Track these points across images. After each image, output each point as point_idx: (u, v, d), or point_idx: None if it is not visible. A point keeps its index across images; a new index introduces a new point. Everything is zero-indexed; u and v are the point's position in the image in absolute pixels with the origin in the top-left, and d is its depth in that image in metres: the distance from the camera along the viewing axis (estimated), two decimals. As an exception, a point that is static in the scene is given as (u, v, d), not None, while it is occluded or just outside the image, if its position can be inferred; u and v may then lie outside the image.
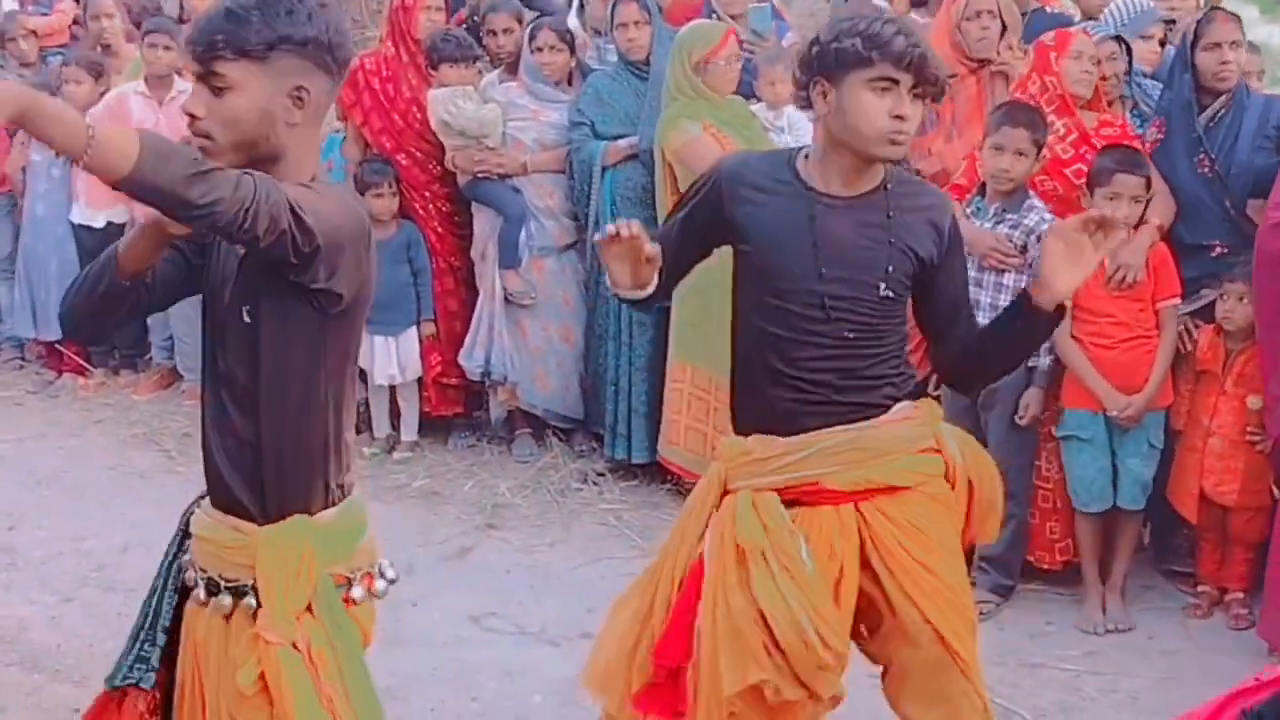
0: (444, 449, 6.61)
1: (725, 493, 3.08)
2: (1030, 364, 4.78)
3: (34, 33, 8.14)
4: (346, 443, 2.61)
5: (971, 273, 4.76)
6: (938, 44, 5.36)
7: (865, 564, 3.02)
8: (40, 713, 4.23)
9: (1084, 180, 4.83)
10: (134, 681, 2.64)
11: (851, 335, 2.99)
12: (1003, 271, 4.76)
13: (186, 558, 2.65)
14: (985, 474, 3.15)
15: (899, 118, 2.85)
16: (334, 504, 2.56)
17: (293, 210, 2.30)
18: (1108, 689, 4.39)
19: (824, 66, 2.90)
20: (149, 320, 7.58)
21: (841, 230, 2.97)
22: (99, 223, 7.47)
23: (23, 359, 8.06)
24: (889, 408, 3.05)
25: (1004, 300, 4.75)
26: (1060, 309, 2.92)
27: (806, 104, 3.01)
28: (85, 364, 7.70)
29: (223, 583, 2.56)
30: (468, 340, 6.39)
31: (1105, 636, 4.72)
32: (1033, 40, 5.47)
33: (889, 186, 3.00)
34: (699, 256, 3.16)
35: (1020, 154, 4.70)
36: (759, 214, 2.99)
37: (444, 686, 4.33)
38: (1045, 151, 4.78)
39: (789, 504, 2.99)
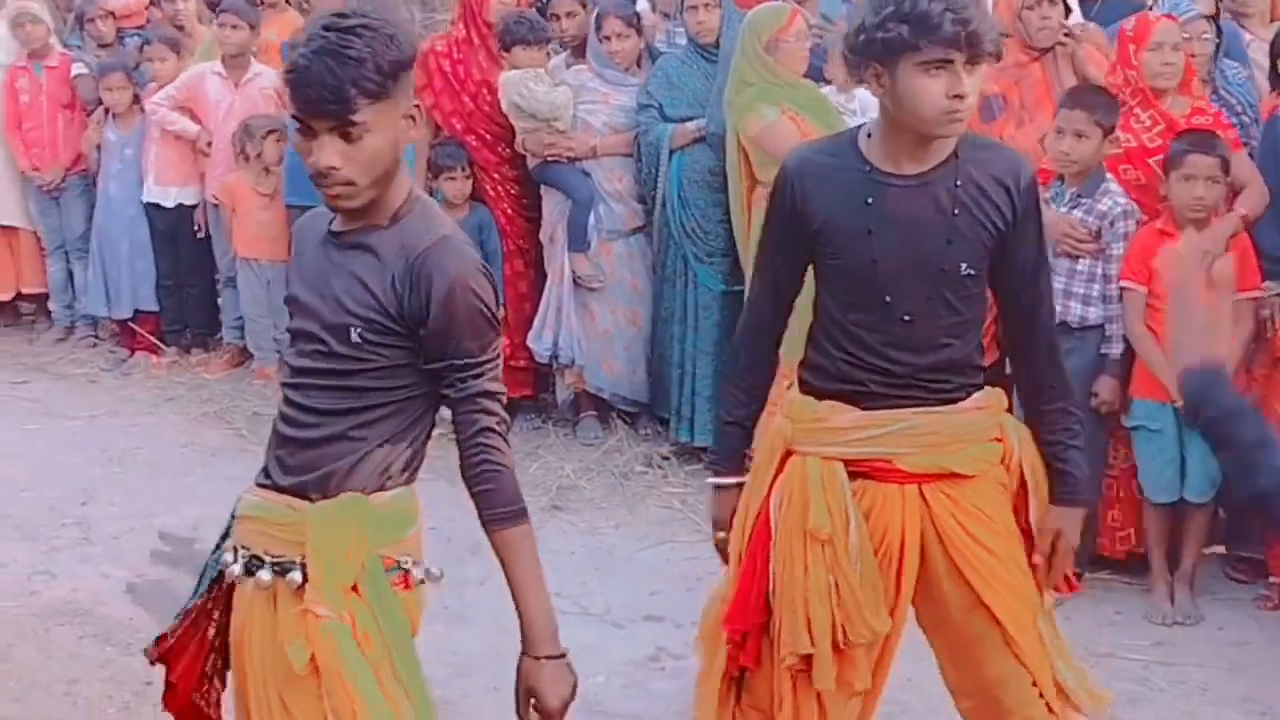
0: (510, 431, 6.63)
1: (788, 452, 3.05)
2: (1103, 351, 4.74)
3: (112, 14, 8.24)
4: (424, 430, 2.60)
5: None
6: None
7: (923, 545, 3.01)
8: (113, 685, 4.30)
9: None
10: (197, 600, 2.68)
11: (924, 318, 2.92)
12: (1076, 257, 4.71)
13: (228, 541, 2.64)
14: (1039, 468, 3.09)
15: (958, 96, 2.75)
16: (387, 489, 2.54)
17: (501, 395, 2.54)
18: (1176, 680, 4.35)
19: (873, 54, 2.79)
20: (220, 300, 7.69)
21: (906, 211, 2.88)
22: (169, 201, 7.57)
23: (97, 337, 8.17)
24: (970, 394, 3.02)
25: (1078, 287, 4.70)
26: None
27: (859, 82, 2.95)
28: (158, 343, 7.80)
29: (267, 558, 2.53)
30: (536, 323, 6.41)
31: (1173, 627, 4.67)
32: (1108, 24, 5.40)
33: (960, 154, 2.90)
34: (806, 265, 3.06)
35: (1081, 135, 4.65)
36: (825, 201, 2.94)
37: (507, 665, 4.27)
38: (1118, 134, 4.71)
39: (854, 475, 2.98)
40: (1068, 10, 5.35)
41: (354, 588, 2.49)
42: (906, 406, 2.96)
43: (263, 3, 7.96)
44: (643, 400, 6.45)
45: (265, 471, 2.63)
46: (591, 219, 6.25)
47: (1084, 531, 4.76)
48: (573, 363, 6.37)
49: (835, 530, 2.95)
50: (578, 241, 6.23)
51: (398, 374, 2.50)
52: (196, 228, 7.57)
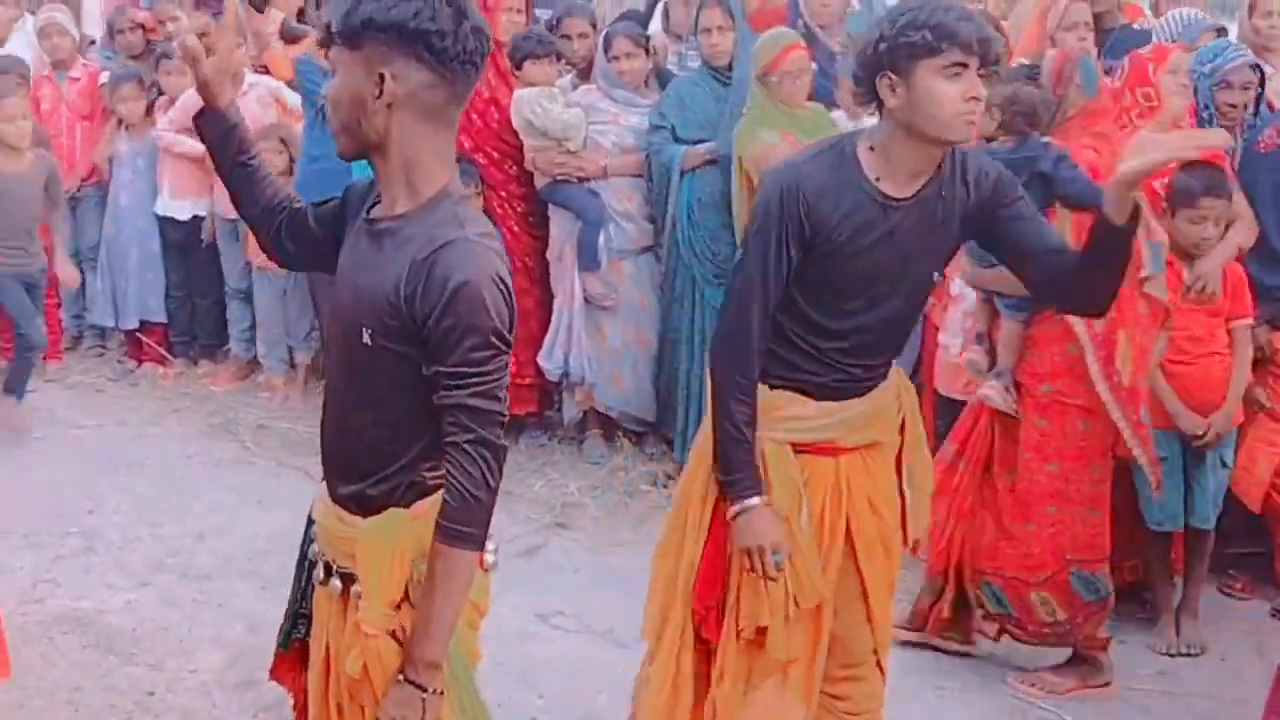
0: (515, 448, 6.64)
1: None
2: None
3: (141, 26, 8.28)
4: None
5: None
6: (1027, 55, 5.32)
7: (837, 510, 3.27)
8: (115, 694, 4.30)
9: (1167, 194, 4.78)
10: (301, 636, 2.75)
11: (896, 324, 3.17)
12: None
13: (314, 546, 2.71)
14: (916, 416, 3.38)
15: (974, 99, 2.93)
16: (430, 495, 2.52)
17: (490, 414, 2.42)
18: (1180, 711, 4.35)
19: (892, 61, 2.95)
20: (228, 312, 7.70)
21: (905, 227, 3.05)
22: (184, 214, 7.60)
23: (104, 347, 8.18)
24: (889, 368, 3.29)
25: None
26: (1135, 215, 2.88)
27: (868, 98, 3.05)
28: (165, 354, 7.81)
29: (336, 568, 2.60)
30: (547, 341, 6.42)
31: (1177, 658, 4.66)
32: (1119, 56, 5.42)
33: (943, 168, 3.06)
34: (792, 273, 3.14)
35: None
36: (830, 213, 3.04)
37: (510, 682, 4.35)
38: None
39: (796, 452, 3.21)
40: None
41: (406, 596, 2.51)
42: (853, 397, 3.19)
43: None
44: (650, 419, 6.46)
45: (323, 464, 2.67)
46: (601, 238, 6.27)
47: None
48: (583, 380, 6.38)
49: (790, 508, 3.17)
50: (589, 260, 6.25)
51: (408, 380, 2.45)
52: (203, 239, 7.60)
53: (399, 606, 2.50)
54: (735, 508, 3.14)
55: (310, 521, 2.73)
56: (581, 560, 5.43)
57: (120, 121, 7.73)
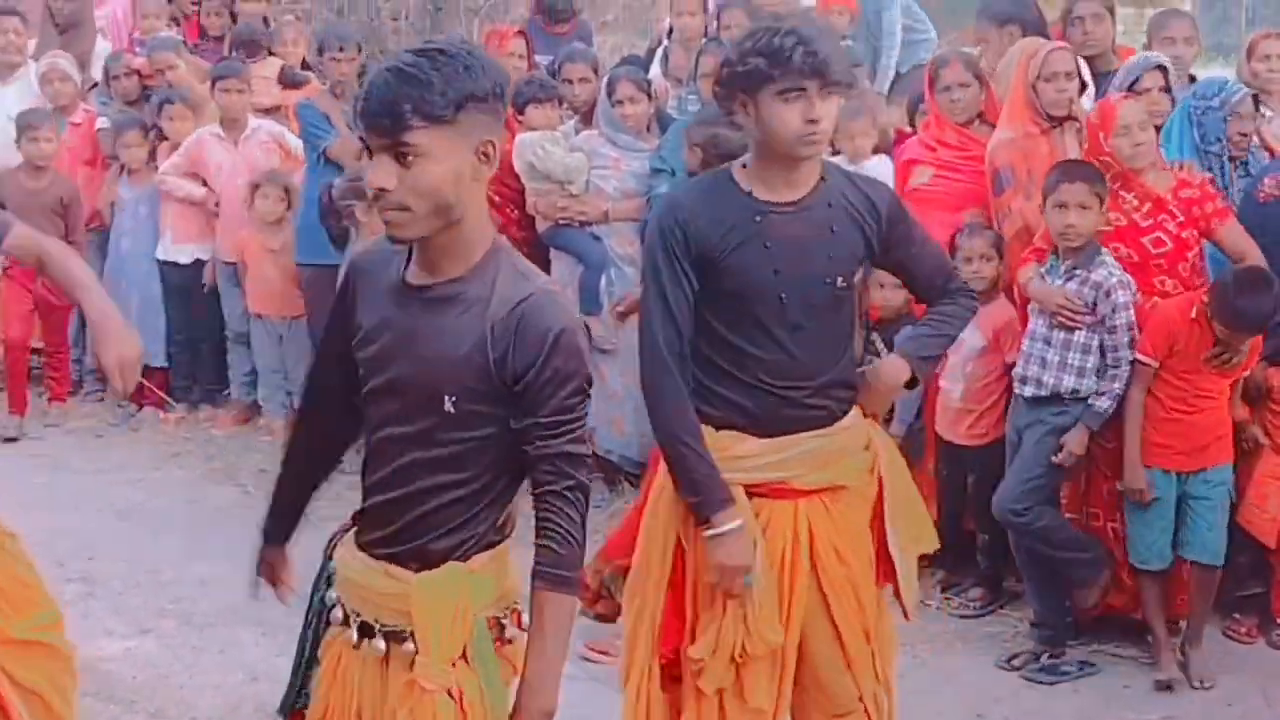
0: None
1: None
2: (1089, 402, 4.73)
3: (137, 72, 8.32)
4: (511, 491, 2.56)
5: (1042, 330, 4.75)
6: (1013, 101, 5.32)
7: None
8: (114, 742, 4.29)
9: (1161, 249, 4.81)
10: (303, 706, 2.67)
11: (810, 338, 3.15)
12: (1073, 329, 4.72)
13: (332, 593, 2.61)
14: (898, 472, 3.35)
15: (811, 121, 3.02)
16: (486, 550, 2.51)
17: (582, 458, 2.44)
18: (1185, 753, 4.33)
19: (739, 86, 3.07)
20: (229, 356, 7.70)
21: (789, 235, 3.13)
22: (185, 259, 7.62)
23: (104, 391, 8.16)
24: (847, 412, 3.25)
25: (1074, 359, 4.71)
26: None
27: (728, 113, 3.23)
28: (166, 398, 7.80)
29: (378, 627, 2.51)
30: (546, 385, 6.41)
31: (1182, 701, 4.63)
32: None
33: (827, 179, 3.17)
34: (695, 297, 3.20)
35: (1084, 208, 4.66)
36: (713, 232, 3.12)
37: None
38: (1107, 205, 4.73)
39: (751, 495, 3.18)
40: (1083, 87, 5.38)
41: (464, 655, 2.47)
42: (800, 431, 3.17)
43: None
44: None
45: (362, 524, 2.59)
46: (602, 282, 6.28)
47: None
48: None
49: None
50: (590, 304, 6.26)
51: (491, 440, 2.44)
52: (204, 283, 7.61)
53: (454, 665, 2.46)
54: (711, 531, 3.12)
55: (326, 582, 2.64)
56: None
57: (122, 167, 7.76)
